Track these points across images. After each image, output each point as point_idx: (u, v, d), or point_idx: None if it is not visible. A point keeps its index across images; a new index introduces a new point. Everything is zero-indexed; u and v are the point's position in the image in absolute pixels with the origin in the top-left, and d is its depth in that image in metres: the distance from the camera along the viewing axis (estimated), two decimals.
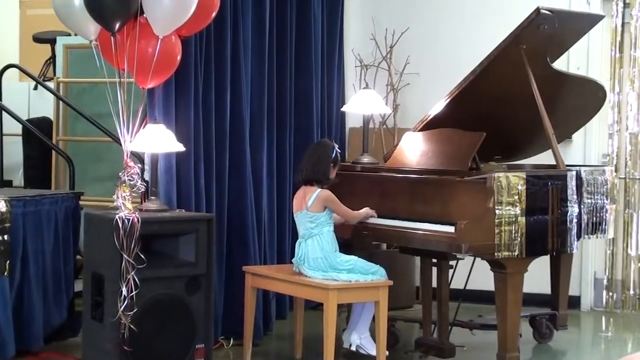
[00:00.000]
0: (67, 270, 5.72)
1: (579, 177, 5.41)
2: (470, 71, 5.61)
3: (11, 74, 8.42)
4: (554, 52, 5.85)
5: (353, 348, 5.59)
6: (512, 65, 5.48)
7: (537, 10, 5.39)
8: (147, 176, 5.16)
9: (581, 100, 6.13)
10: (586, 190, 5.54)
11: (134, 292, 4.69)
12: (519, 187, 4.99)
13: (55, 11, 4.99)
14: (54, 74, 8.04)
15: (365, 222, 5.50)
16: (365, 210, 5.50)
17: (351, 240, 5.63)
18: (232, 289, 5.97)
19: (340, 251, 5.36)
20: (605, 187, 5.72)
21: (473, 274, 5.62)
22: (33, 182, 7.53)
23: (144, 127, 5.03)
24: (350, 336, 5.61)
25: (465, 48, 7.39)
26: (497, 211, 4.93)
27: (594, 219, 5.62)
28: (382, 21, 7.73)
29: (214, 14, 5.19)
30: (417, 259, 6.20)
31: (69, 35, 7.78)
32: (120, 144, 5.02)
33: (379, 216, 5.50)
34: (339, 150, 5.45)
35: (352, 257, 5.33)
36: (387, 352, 5.55)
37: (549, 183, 5.12)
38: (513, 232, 4.96)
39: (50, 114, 7.51)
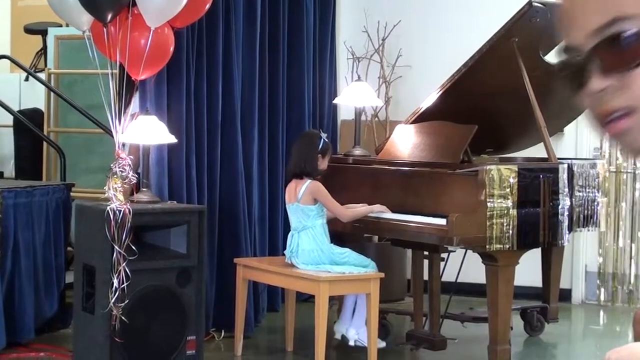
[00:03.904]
0: (58, 261, 5.72)
1: (570, 170, 5.42)
2: (462, 64, 5.60)
3: (2, 65, 8.42)
4: (546, 45, 5.84)
5: (351, 343, 5.59)
6: (504, 58, 5.48)
7: (530, 2, 5.39)
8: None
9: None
10: (578, 183, 5.55)
11: (125, 284, 4.68)
12: (511, 180, 4.99)
13: (48, 2, 4.98)
14: (45, 65, 8.03)
15: None
16: (362, 209, 5.41)
17: (343, 232, 5.63)
18: (223, 281, 5.97)
19: (332, 243, 5.35)
20: (596, 180, 5.73)
21: (464, 266, 5.62)
22: (24, 173, 7.53)
23: (135, 118, 5.02)
24: (347, 332, 5.61)
25: (457, 41, 7.39)
26: (488, 204, 4.93)
27: (586, 211, 5.62)
28: (374, 14, 7.73)
29: (207, 6, 5.18)
30: (409, 252, 6.20)
31: (61, 26, 7.78)
32: (112, 136, 5.01)
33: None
34: (327, 140, 5.42)
35: (346, 249, 5.33)
36: (384, 344, 5.57)
37: (541, 176, 5.13)
38: (504, 224, 4.96)
39: (41, 105, 7.50)
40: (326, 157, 5.40)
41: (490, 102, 5.72)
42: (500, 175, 4.98)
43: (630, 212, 7.44)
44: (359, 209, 5.40)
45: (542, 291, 6.33)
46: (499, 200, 4.96)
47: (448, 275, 5.69)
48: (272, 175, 6.63)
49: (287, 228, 5.60)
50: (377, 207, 5.36)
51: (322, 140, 5.37)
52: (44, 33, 8.38)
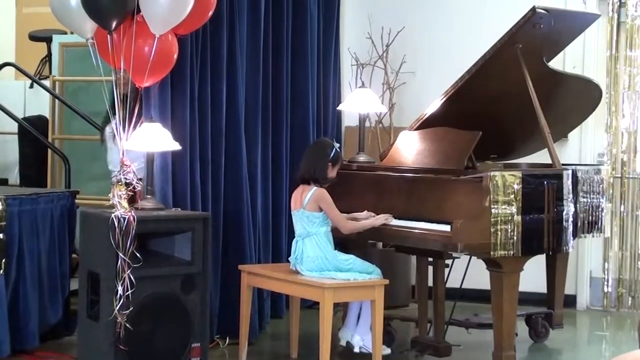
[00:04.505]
0: (63, 269, 5.72)
1: (574, 176, 5.41)
2: (466, 70, 5.61)
3: (7, 72, 8.43)
4: (550, 51, 5.85)
5: (356, 350, 5.59)
6: (508, 64, 5.48)
7: (533, 9, 5.40)
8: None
9: (577, 99, 6.13)
10: (582, 189, 5.55)
11: (129, 291, 4.69)
12: (515, 186, 4.99)
13: (51, 9, 4.99)
14: (50, 72, 8.04)
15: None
16: (364, 222, 5.39)
17: (347, 239, 5.62)
18: (227, 288, 5.97)
19: (336, 250, 5.35)
20: (601, 186, 5.73)
21: (469, 272, 5.62)
22: (29, 180, 7.53)
23: (140, 125, 5.02)
24: (352, 338, 5.61)
25: (461, 47, 7.39)
26: (493, 210, 4.93)
27: (590, 217, 5.62)
28: (378, 20, 7.73)
29: (210, 13, 5.18)
30: (413, 258, 6.20)
31: (65, 33, 7.78)
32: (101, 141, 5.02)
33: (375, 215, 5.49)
34: (338, 150, 5.44)
35: (351, 256, 5.33)
36: (389, 350, 5.57)
37: (545, 182, 5.12)
38: (509, 231, 4.96)
39: (46, 112, 7.51)
40: (336, 167, 5.40)
41: (494, 108, 5.73)
42: (505, 181, 4.97)
43: (635, 218, 7.43)
44: (360, 223, 5.39)
45: (547, 297, 6.32)
46: (503, 207, 4.95)
47: (452, 282, 5.69)
48: (275, 181, 6.63)
49: (290, 234, 5.60)
50: (379, 221, 5.37)
51: (334, 149, 5.38)
52: (48, 40, 8.38)
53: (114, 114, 5.42)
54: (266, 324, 6.45)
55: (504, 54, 5.48)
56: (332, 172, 5.38)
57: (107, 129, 5.80)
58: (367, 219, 5.41)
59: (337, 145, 5.45)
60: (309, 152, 5.46)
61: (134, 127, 4.98)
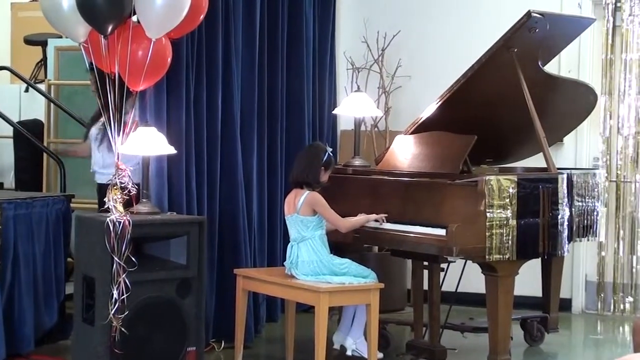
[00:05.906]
0: (58, 273, 5.71)
1: (570, 180, 5.42)
2: (462, 74, 5.61)
3: (2, 76, 8.43)
4: (545, 55, 5.86)
5: (349, 352, 5.61)
6: (504, 68, 5.49)
7: (528, 13, 5.40)
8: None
9: (572, 103, 6.14)
10: (577, 193, 5.56)
11: (125, 295, 4.68)
12: (510, 190, 5.00)
13: (44, 14, 4.98)
14: (45, 76, 8.04)
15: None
16: (359, 218, 5.43)
17: (343, 243, 5.62)
18: (223, 292, 5.97)
19: (332, 254, 5.35)
20: (596, 190, 5.74)
21: (464, 276, 5.63)
22: (24, 184, 7.52)
23: (134, 129, 5.01)
24: (345, 341, 5.62)
25: (456, 51, 7.40)
26: (488, 214, 4.93)
27: (585, 221, 5.63)
28: (374, 24, 7.74)
29: (202, 17, 5.18)
30: (409, 262, 6.20)
31: (60, 37, 7.77)
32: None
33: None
34: (331, 154, 5.44)
35: (346, 260, 5.33)
36: (381, 355, 5.57)
37: (540, 186, 5.13)
38: (504, 235, 4.96)
39: (41, 116, 7.50)
40: (328, 171, 5.42)
41: (490, 112, 5.73)
42: (500, 185, 4.98)
43: (630, 222, 7.43)
44: (357, 219, 5.41)
45: (542, 301, 6.33)
46: (498, 211, 4.96)
47: (448, 285, 5.69)
48: (271, 185, 6.63)
49: (286, 238, 5.60)
50: (375, 215, 5.38)
51: (327, 154, 5.39)
52: (44, 44, 8.38)
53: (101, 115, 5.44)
54: (262, 327, 6.45)
55: (499, 58, 5.49)
56: (324, 177, 5.39)
57: (93, 130, 5.81)
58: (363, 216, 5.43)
59: (329, 149, 5.46)
60: (301, 156, 5.47)
61: (129, 130, 4.97)
